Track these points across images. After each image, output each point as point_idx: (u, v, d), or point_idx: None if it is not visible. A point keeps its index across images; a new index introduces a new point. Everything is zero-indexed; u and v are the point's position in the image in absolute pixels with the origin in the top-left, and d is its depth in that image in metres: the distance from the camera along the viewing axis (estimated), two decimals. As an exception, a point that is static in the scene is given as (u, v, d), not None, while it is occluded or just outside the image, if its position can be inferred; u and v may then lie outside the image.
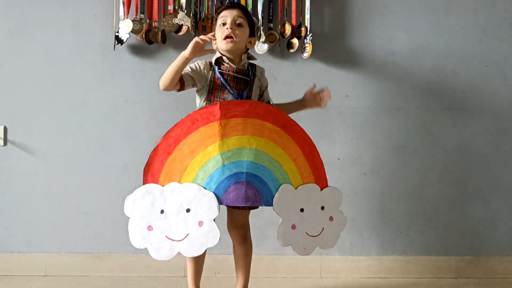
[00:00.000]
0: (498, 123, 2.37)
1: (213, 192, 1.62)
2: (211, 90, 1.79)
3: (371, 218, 2.36)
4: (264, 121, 1.70)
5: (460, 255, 2.36)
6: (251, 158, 1.65)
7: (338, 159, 2.34)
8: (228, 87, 1.77)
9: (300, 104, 1.96)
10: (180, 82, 1.76)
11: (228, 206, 1.76)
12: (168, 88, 1.75)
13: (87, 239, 2.32)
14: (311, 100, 1.94)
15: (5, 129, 2.31)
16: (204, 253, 1.86)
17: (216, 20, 1.81)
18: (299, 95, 2.32)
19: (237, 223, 1.86)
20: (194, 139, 1.67)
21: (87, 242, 2.32)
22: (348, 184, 2.34)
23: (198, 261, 1.85)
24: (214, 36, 1.79)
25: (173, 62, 1.72)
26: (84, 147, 2.32)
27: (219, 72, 1.78)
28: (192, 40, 1.70)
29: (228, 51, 1.78)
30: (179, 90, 1.79)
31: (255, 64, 1.88)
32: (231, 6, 1.81)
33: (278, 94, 2.30)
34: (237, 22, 1.76)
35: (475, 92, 2.36)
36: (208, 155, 1.65)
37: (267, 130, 1.70)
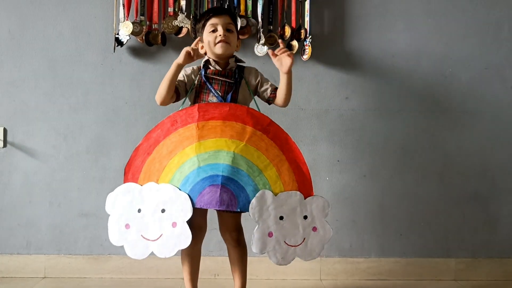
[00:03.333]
0: (497, 125, 2.37)
1: (188, 194, 1.61)
2: (198, 93, 1.82)
3: (370, 220, 2.36)
4: (244, 124, 1.69)
5: (460, 257, 2.36)
6: (228, 161, 1.63)
7: (338, 161, 2.34)
8: (212, 90, 1.79)
9: (281, 74, 1.82)
10: (176, 93, 1.80)
11: (216, 210, 1.75)
12: (165, 100, 1.78)
13: (86, 241, 2.32)
14: (277, 62, 1.78)
15: (5, 130, 2.31)
16: (199, 255, 1.86)
17: (203, 25, 1.81)
18: (298, 97, 2.33)
19: (229, 227, 1.84)
20: (173, 140, 1.69)
21: (86, 244, 2.32)
22: (348, 186, 2.34)
23: (194, 263, 1.85)
24: (199, 42, 1.83)
25: (167, 73, 1.76)
26: (84, 149, 2.32)
27: (205, 76, 1.80)
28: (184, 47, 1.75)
29: (219, 55, 1.79)
30: (175, 101, 1.83)
31: (244, 67, 1.88)
32: (220, 12, 1.83)
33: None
34: (228, 28, 1.79)
35: (474, 94, 2.36)
36: (185, 156, 1.65)
37: (247, 134, 1.67)
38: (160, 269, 2.29)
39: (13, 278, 2.28)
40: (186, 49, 1.73)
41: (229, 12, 1.88)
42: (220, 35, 1.77)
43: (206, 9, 2.25)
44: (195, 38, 1.87)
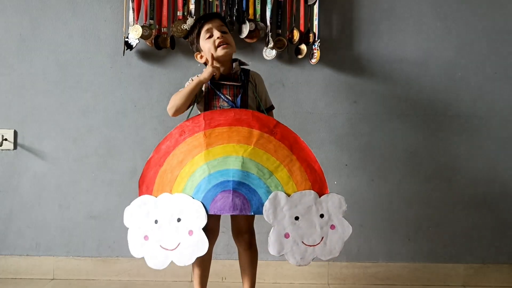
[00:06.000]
0: (506, 130, 2.35)
1: (201, 201, 1.63)
2: (207, 101, 1.83)
3: (378, 224, 2.35)
4: (251, 127, 1.70)
5: (469, 263, 2.34)
6: (237, 166, 1.65)
7: (346, 165, 2.34)
8: (222, 96, 1.80)
9: None
10: None
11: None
12: (180, 112, 1.80)
13: (95, 243, 2.33)
14: None
15: (15, 133, 2.33)
16: (210, 258, 1.87)
17: (198, 33, 1.83)
18: (306, 101, 2.33)
19: (241, 229, 1.85)
20: (182, 150, 1.71)
21: (95, 246, 2.33)
22: (356, 190, 2.33)
23: (204, 266, 1.85)
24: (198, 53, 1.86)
25: (188, 87, 1.77)
26: (93, 151, 2.33)
27: (212, 83, 1.82)
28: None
29: (222, 57, 1.81)
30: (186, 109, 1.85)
31: (249, 71, 1.89)
32: (211, 16, 1.85)
33: (286, 99, 2.32)
34: (222, 30, 1.82)
35: (484, 99, 2.34)
36: (195, 165, 1.68)
37: (254, 137, 1.69)
38: (167, 272, 2.30)
39: (22, 279, 2.30)
40: (212, 69, 1.76)
41: (219, 15, 1.90)
42: (218, 37, 1.78)
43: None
44: (193, 51, 1.88)
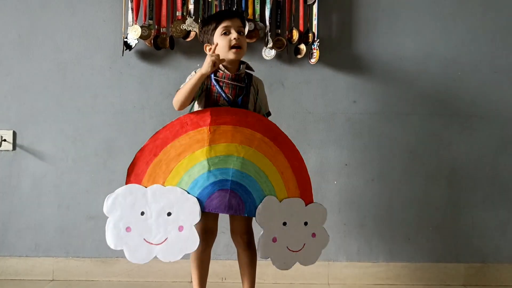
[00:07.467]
0: (506, 129, 2.35)
1: (196, 197, 1.60)
2: (208, 97, 1.80)
3: (378, 224, 2.34)
4: (254, 130, 1.70)
5: (469, 262, 2.34)
6: (237, 167, 1.65)
7: (346, 165, 2.34)
8: (223, 94, 1.78)
9: None
10: None
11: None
12: (185, 106, 1.77)
13: (94, 244, 2.33)
14: None
15: (14, 133, 2.32)
16: (209, 259, 1.86)
17: (215, 27, 1.80)
18: (306, 101, 2.33)
19: (240, 229, 1.84)
20: (182, 142, 1.67)
21: (94, 246, 2.33)
22: (355, 190, 2.33)
23: (203, 267, 1.84)
24: (207, 45, 1.82)
25: (190, 81, 1.74)
26: (92, 152, 2.33)
27: (215, 80, 1.80)
28: (206, 55, 1.75)
29: (232, 60, 1.79)
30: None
31: (252, 75, 1.88)
32: (232, 15, 1.83)
33: (285, 99, 2.32)
34: (240, 31, 1.80)
35: (484, 98, 2.34)
36: (194, 159, 1.64)
37: (256, 140, 1.69)
38: (168, 273, 2.29)
39: (21, 280, 2.29)
40: (211, 59, 1.71)
41: (240, 15, 1.88)
42: (234, 39, 1.76)
43: (214, 13, 2.25)
44: (203, 41, 1.87)
